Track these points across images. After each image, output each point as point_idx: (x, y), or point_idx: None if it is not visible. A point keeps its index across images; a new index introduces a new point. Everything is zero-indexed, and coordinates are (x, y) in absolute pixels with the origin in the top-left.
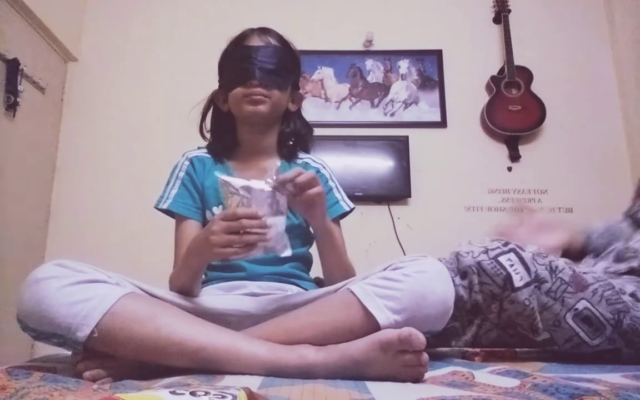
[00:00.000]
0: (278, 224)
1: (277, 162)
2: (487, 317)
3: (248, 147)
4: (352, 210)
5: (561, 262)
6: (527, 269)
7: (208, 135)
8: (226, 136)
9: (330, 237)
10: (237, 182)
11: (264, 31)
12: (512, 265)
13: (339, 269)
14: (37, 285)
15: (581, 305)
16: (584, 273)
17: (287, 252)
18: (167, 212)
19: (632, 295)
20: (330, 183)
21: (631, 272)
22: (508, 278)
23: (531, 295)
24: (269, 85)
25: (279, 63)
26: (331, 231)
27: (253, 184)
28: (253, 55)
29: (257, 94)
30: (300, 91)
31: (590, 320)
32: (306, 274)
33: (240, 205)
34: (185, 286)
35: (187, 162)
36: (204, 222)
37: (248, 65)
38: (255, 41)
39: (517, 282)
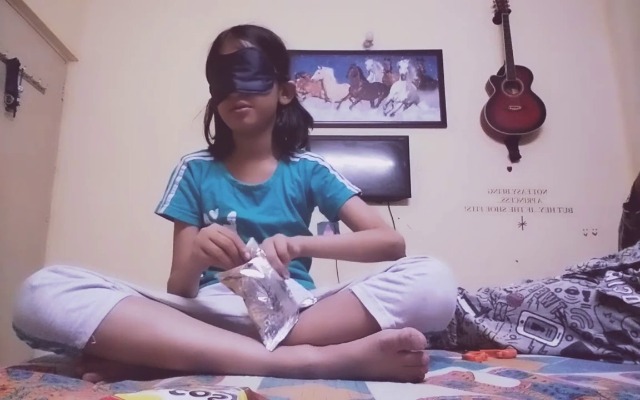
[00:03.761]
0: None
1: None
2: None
3: (243, 150)
4: (359, 193)
5: (498, 290)
6: (472, 306)
7: (213, 141)
8: (223, 139)
9: (344, 252)
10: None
11: (236, 33)
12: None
13: (377, 257)
14: (33, 293)
15: (524, 316)
16: (520, 290)
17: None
18: (165, 216)
19: (568, 291)
20: (332, 172)
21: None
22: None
23: (482, 321)
24: (249, 94)
25: (257, 66)
26: (330, 248)
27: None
28: (228, 65)
29: (240, 107)
30: (291, 81)
31: (538, 325)
32: (306, 273)
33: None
34: (183, 287)
35: (184, 167)
36: (201, 227)
37: (224, 77)
38: (228, 48)
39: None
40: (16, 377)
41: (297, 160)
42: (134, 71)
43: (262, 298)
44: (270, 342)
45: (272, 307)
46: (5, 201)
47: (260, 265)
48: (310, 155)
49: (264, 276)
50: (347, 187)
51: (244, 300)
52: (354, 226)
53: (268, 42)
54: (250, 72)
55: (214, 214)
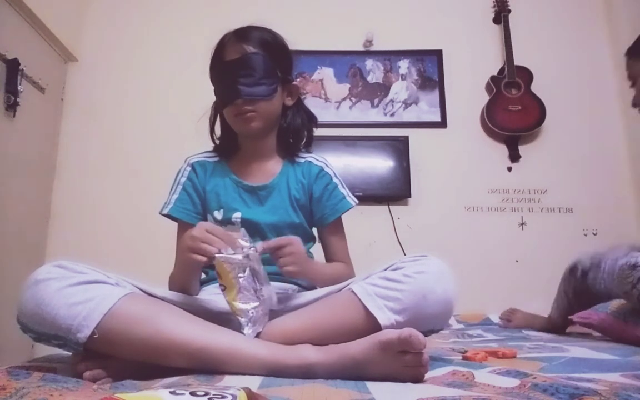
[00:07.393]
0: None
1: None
2: None
3: (248, 151)
4: (357, 204)
5: None
6: None
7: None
8: (228, 140)
9: (324, 281)
10: (233, 259)
11: (239, 38)
12: None
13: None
14: (37, 286)
15: None
16: None
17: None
18: (169, 216)
19: None
20: (335, 180)
21: None
22: None
23: None
24: (253, 100)
25: (261, 71)
26: (320, 277)
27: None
28: (231, 71)
29: (245, 112)
30: (295, 82)
31: None
32: None
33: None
34: (183, 285)
35: (188, 168)
36: None
37: (229, 83)
38: (232, 54)
39: None
40: (16, 377)
41: (302, 160)
42: (134, 71)
43: (249, 288)
44: (250, 330)
45: (258, 298)
46: (6, 201)
47: (254, 257)
48: (315, 158)
49: (258, 267)
50: (346, 199)
51: (235, 280)
52: (326, 248)
53: (271, 44)
54: (254, 78)
55: (218, 215)
